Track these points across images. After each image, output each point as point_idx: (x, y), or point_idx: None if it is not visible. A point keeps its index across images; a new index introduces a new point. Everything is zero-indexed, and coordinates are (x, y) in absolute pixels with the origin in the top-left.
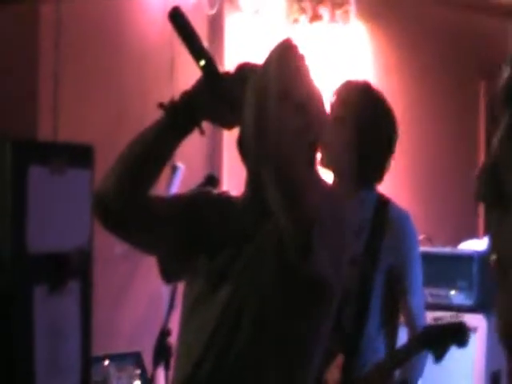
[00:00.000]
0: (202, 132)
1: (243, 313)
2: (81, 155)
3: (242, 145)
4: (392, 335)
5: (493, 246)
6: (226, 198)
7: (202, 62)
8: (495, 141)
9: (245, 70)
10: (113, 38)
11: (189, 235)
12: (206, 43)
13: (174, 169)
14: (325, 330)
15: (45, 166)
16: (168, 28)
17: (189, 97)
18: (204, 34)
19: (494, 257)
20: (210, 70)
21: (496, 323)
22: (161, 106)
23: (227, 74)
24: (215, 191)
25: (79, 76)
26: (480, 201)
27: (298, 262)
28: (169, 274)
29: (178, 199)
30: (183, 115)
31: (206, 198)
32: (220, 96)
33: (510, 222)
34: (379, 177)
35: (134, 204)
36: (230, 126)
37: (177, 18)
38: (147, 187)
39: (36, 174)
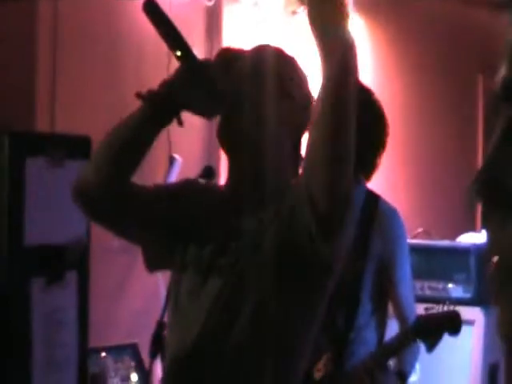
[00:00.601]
0: (181, 123)
1: (239, 308)
2: (78, 147)
3: (230, 133)
4: (381, 326)
5: (495, 247)
6: (213, 189)
7: (178, 53)
8: (494, 141)
9: (227, 56)
10: (110, 31)
11: (175, 225)
12: (203, 35)
13: (172, 161)
14: (319, 319)
15: (42, 157)
16: None
17: (169, 87)
18: (202, 26)
19: (496, 258)
20: (188, 60)
21: (498, 324)
22: (139, 96)
23: (208, 61)
24: (202, 181)
25: (77, 68)
26: (480, 201)
27: (317, 244)
28: (153, 263)
29: (164, 189)
30: (164, 106)
31: (192, 188)
32: (200, 85)
33: None
34: (368, 173)
35: (117, 192)
36: (210, 116)
37: (151, 10)
38: (128, 175)
39: (33, 165)
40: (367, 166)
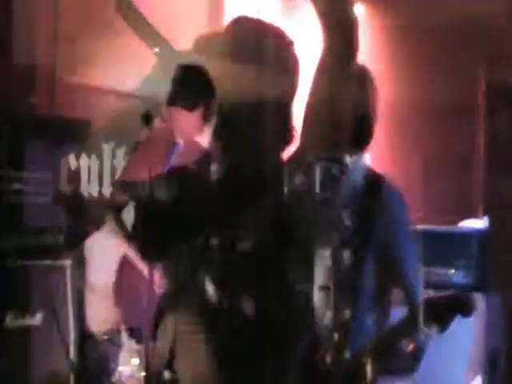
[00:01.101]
0: (164, 119)
1: (236, 300)
2: (78, 130)
3: (230, 133)
4: (382, 315)
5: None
6: (207, 178)
7: (156, 49)
8: (503, 137)
9: (200, 43)
10: (111, 30)
11: (170, 220)
12: (205, 22)
13: (172, 144)
14: (314, 312)
15: (42, 140)
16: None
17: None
18: (204, 15)
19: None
20: (166, 55)
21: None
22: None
23: (186, 52)
24: (194, 169)
25: (77, 54)
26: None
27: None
28: (150, 257)
29: (157, 184)
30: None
31: (185, 179)
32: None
33: None
34: (366, 143)
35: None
36: (194, 109)
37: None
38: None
39: (33, 148)
40: (364, 137)
